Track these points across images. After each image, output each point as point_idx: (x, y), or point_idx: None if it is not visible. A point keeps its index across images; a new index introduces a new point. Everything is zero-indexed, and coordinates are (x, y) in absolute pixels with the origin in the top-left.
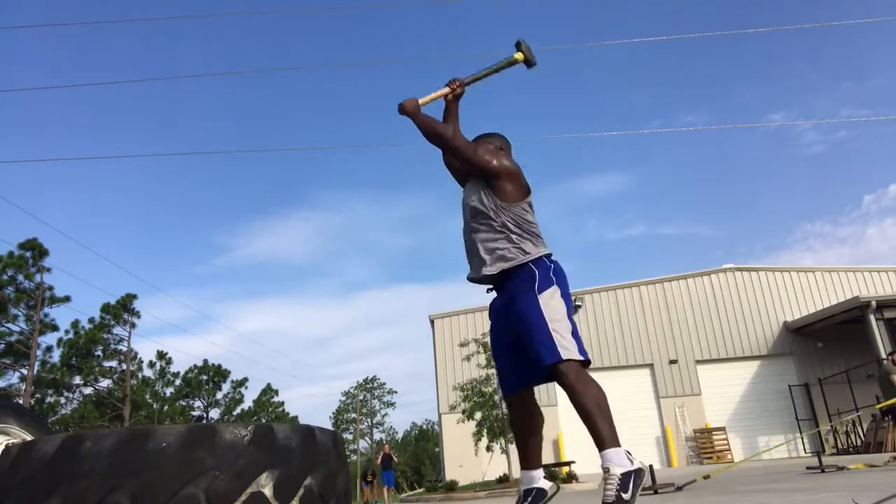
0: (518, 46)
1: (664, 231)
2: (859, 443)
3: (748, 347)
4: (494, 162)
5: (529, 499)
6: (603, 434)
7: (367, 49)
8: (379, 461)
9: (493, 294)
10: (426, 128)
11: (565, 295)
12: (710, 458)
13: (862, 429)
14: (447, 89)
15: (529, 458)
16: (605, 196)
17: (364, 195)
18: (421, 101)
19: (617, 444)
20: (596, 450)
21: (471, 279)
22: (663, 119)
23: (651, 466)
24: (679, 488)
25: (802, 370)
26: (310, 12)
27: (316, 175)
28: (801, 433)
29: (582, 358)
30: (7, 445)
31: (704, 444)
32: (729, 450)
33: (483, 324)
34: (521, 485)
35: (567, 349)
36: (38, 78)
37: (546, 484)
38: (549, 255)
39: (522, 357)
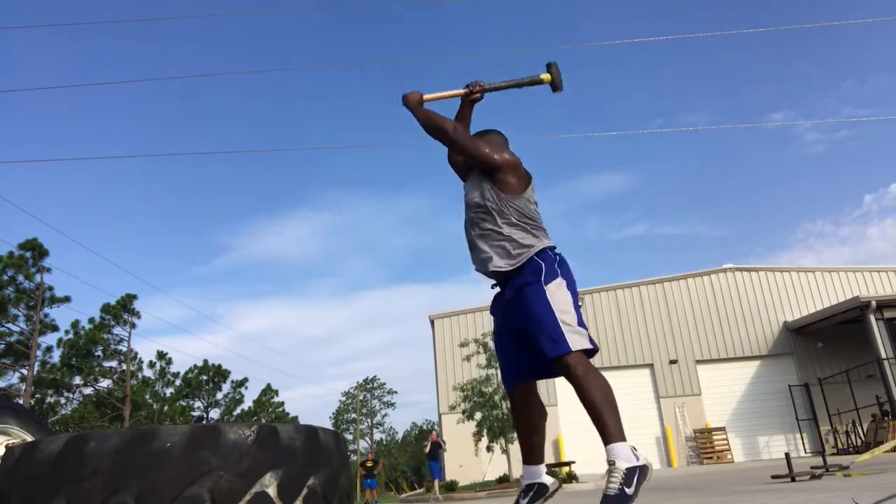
0: (548, 68)
1: (665, 231)
2: (859, 443)
3: (748, 347)
4: (496, 155)
5: (531, 494)
6: (609, 427)
7: (367, 49)
8: (427, 451)
9: (496, 289)
10: (426, 121)
11: (571, 285)
12: (711, 458)
13: (862, 429)
14: (464, 90)
15: (531, 453)
16: (605, 196)
17: (364, 195)
18: (427, 96)
19: (623, 439)
20: (596, 450)
21: (478, 271)
22: (664, 118)
23: (787, 455)
24: (816, 476)
25: (802, 370)
26: (310, 12)
27: (316, 175)
28: (801, 433)
29: (591, 346)
30: (7, 446)
31: (704, 444)
32: (729, 450)
33: (483, 324)
34: (523, 479)
35: (575, 340)
36: (38, 78)
37: (548, 479)
38: (552, 248)
39: (525, 351)
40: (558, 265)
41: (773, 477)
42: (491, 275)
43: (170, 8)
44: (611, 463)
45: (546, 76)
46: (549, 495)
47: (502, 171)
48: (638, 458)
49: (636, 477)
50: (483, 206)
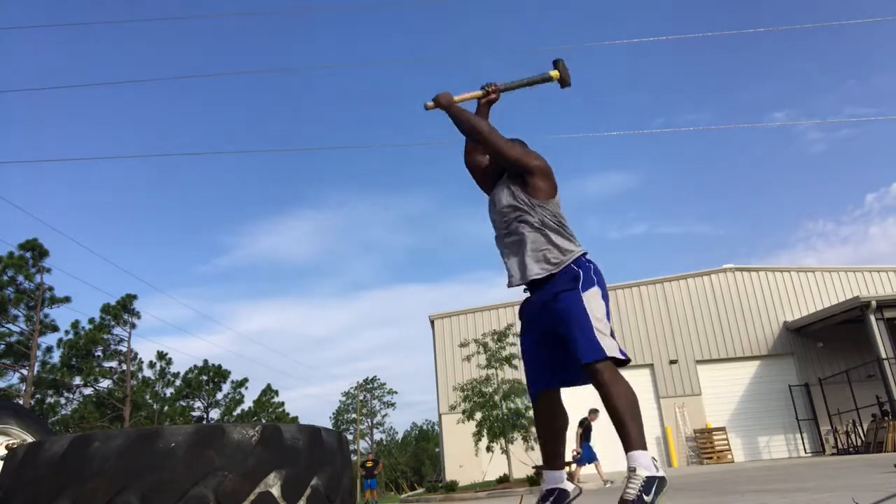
0: (555, 64)
1: (666, 230)
2: (860, 443)
3: (748, 347)
4: (532, 159)
5: (552, 499)
6: (632, 435)
7: (368, 49)
8: (580, 436)
9: (526, 293)
10: (463, 120)
11: (605, 295)
12: (711, 458)
13: (862, 429)
14: (481, 92)
15: (553, 458)
16: (606, 195)
17: (365, 195)
18: (456, 97)
19: (644, 448)
20: (597, 450)
21: (513, 285)
22: (665, 118)
23: None
24: None
25: (802, 370)
26: (311, 12)
27: (317, 175)
28: (801, 433)
29: (622, 357)
30: (7, 446)
31: (705, 444)
32: (729, 450)
33: (483, 324)
34: (544, 484)
35: (608, 347)
36: (38, 78)
37: (569, 486)
38: (585, 254)
39: (554, 357)
40: (594, 273)
41: None
42: (529, 283)
43: (171, 8)
44: (631, 469)
45: (555, 73)
46: (570, 501)
47: (535, 176)
48: (657, 469)
49: (655, 486)
50: (519, 209)
